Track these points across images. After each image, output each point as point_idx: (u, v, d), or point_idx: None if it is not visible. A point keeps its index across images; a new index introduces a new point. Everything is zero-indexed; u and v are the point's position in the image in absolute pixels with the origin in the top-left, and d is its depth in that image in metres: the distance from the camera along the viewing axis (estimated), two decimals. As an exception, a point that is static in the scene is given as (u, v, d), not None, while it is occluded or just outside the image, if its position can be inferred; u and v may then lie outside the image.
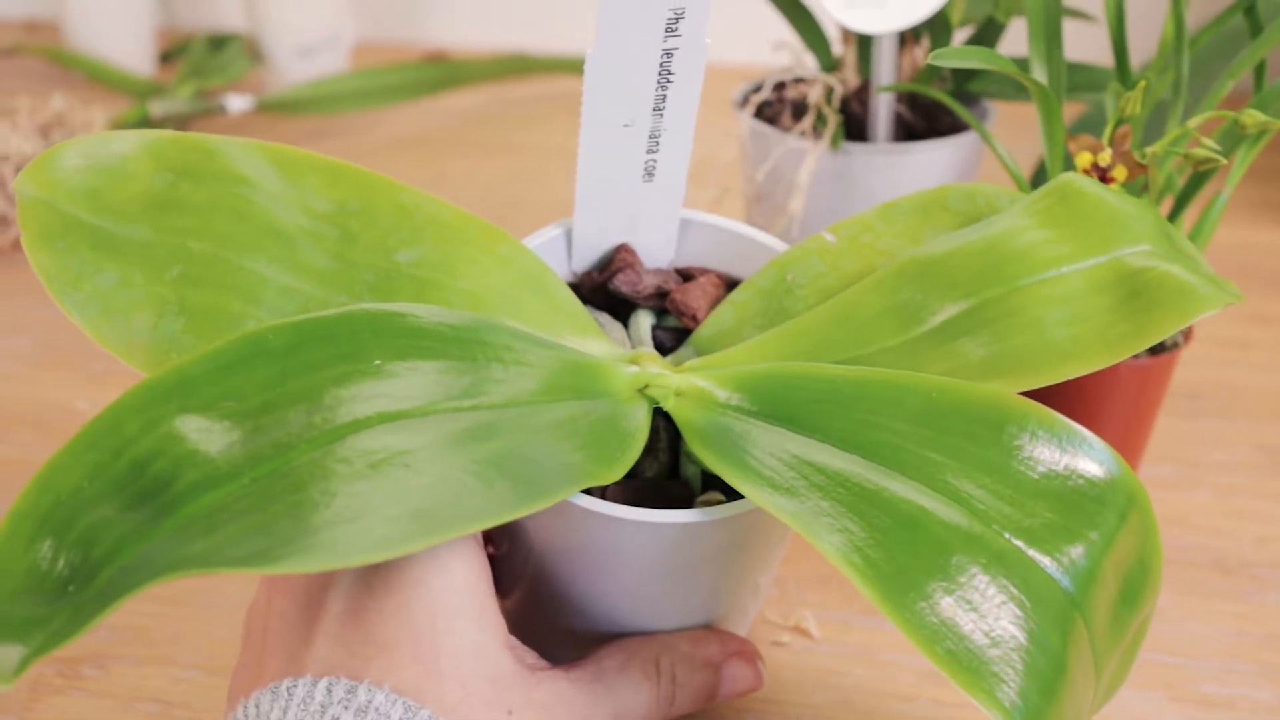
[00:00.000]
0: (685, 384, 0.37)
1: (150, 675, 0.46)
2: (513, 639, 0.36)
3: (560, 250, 0.44)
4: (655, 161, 0.42)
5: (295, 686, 0.31)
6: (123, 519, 0.28)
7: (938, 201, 0.42)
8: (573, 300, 0.41)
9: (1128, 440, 0.51)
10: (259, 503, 0.28)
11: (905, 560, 0.30)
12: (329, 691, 0.30)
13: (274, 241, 0.36)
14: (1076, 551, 0.32)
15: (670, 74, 0.39)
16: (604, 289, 0.44)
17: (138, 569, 0.27)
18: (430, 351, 0.33)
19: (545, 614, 0.41)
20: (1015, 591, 0.30)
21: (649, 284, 0.43)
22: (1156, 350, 0.49)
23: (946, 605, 0.30)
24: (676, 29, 0.37)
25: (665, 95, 0.39)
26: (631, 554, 0.37)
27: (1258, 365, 0.65)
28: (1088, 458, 0.33)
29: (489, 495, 0.30)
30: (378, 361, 0.32)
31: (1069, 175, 0.39)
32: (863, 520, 0.31)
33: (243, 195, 0.36)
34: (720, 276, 0.45)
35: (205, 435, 0.29)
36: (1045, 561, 0.31)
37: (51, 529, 0.27)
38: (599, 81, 0.39)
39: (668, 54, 0.38)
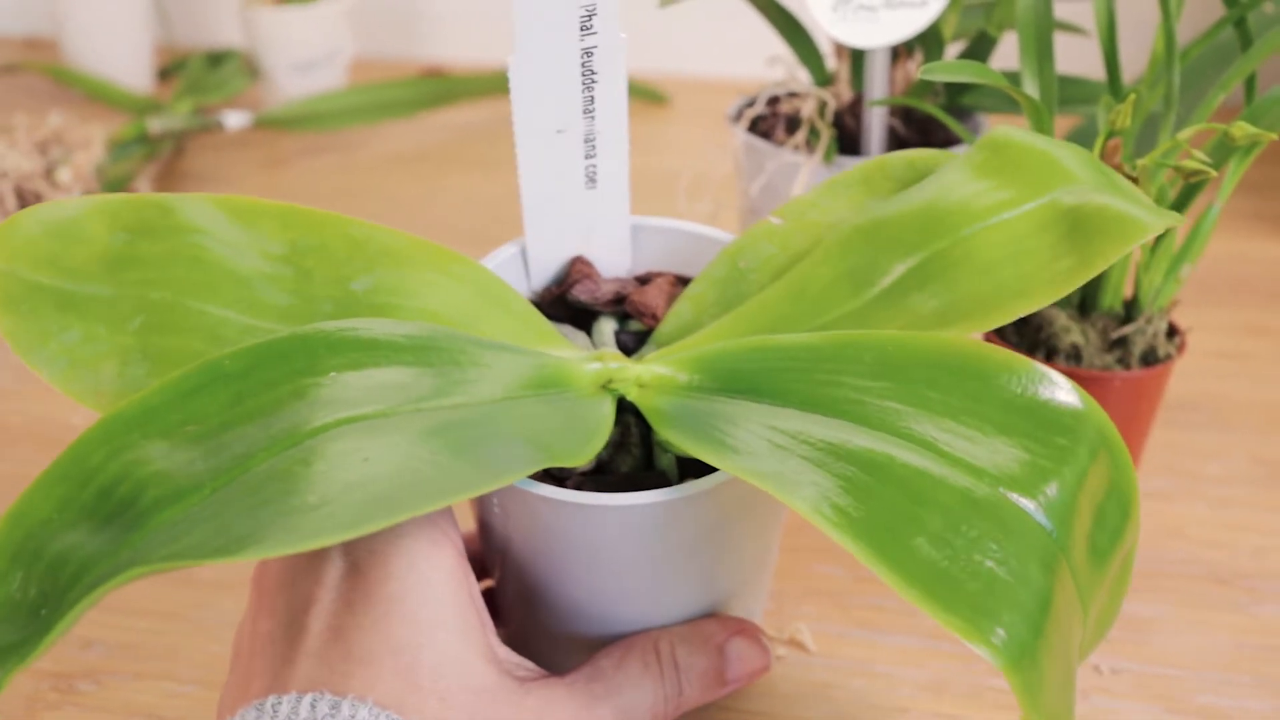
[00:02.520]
0: (646, 373, 0.38)
1: (146, 690, 0.46)
2: (506, 651, 0.36)
3: (518, 269, 0.45)
4: (595, 167, 0.42)
5: (280, 703, 0.31)
6: (90, 541, 0.29)
7: (878, 170, 0.42)
8: (533, 312, 0.41)
9: (1122, 452, 0.51)
10: (220, 509, 0.29)
11: (876, 506, 0.30)
12: (313, 707, 0.30)
13: (232, 285, 0.37)
14: (1051, 487, 0.31)
15: (594, 73, 0.39)
16: (564, 302, 0.45)
17: (102, 578, 0.27)
18: (386, 360, 0.34)
19: (545, 626, 0.41)
20: (990, 528, 0.30)
21: (607, 290, 0.44)
22: (1150, 362, 0.49)
23: (922, 546, 0.29)
24: (591, 26, 0.38)
25: (593, 96, 0.40)
26: (610, 544, 0.37)
27: (1253, 377, 0.65)
28: (1053, 394, 0.33)
29: (448, 477, 0.31)
30: (333, 374, 0.33)
31: (1000, 128, 0.40)
32: (830, 473, 0.31)
33: (198, 244, 0.37)
34: (679, 277, 0.45)
35: (167, 457, 0.30)
36: (1019, 498, 0.31)
37: (23, 561, 0.28)
38: (525, 87, 0.39)
39: (587, 53, 0.39)
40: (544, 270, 0.45)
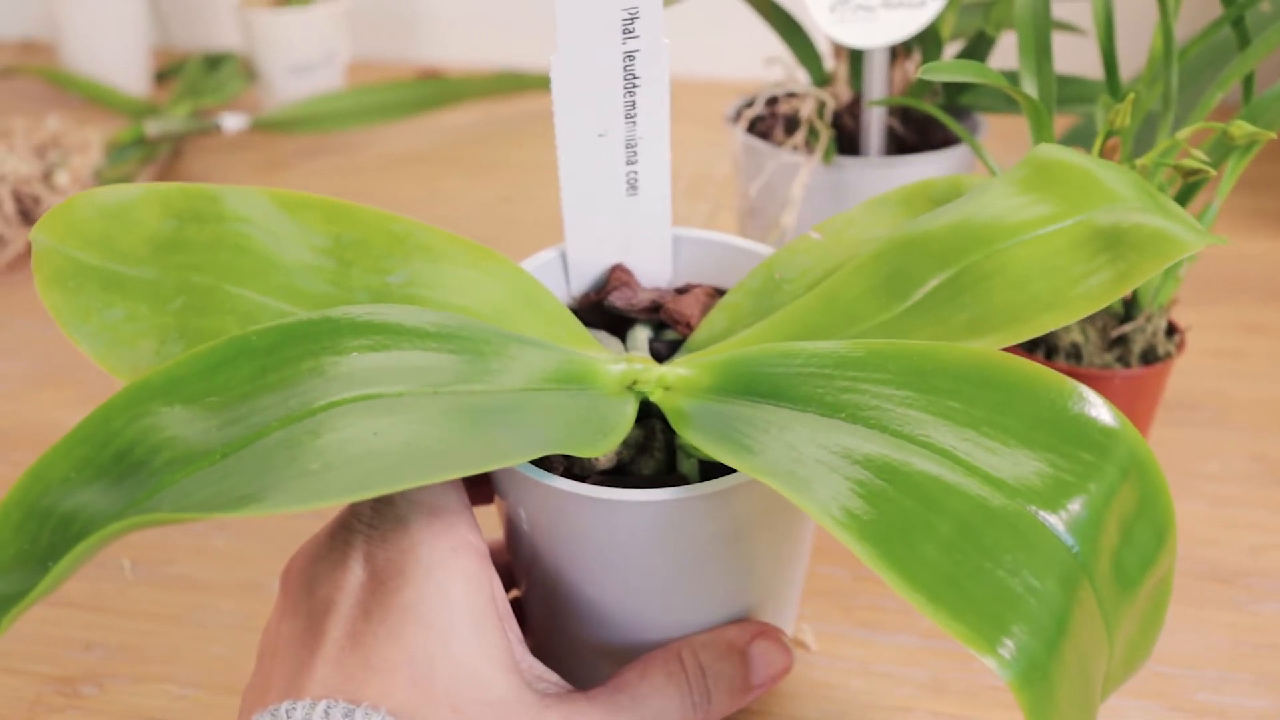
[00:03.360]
0: (671, 375, 0.38)
1: (149, 694, 0.46)
2: (533, 663, 0.36)
3: (558, 273, 0.45)
4: (636, 173, 0.42)
5: (294, 709, 0.31)
6: (101, 499, 0.29)
7: (921, 192, 0.43)
8: (566, 314, 0.41)
9: (1122, 450, 0.51)
10: (228, 473, 0.30)
11: (886, 511, 0.30)
12: (327, 714, 0.30)
13: (272, 272, 0.38)
14: (1075, 503, 0.31)
15: (635, 78, 0.39)
16: (602, 309, 0.45)
17: (102, 528, 0.28)
18: (409, 345, 0.34)
19: (569, 633, 0.41)
20: (1005, 539, 0.29)
21: (644, 298, 0.44)
22: (1149, 360, 0.49)
23: (930, 552, 0.29)
24: (634, 30, 0.38)
25: (635, 101, 0.40)
26: (627, 543, 0.37)
27: (1252, 375, 0.65)
28: (1083, 410, 0.32)
29: (454, 452, 0.31)
30: (355, 354, 0.33)
31: (1043, 146, 0.39)
32: (844, 476, 0.31)
33: (243, 233, 0.38)
34: (717, 289, 0.45)
35: (186, 424, 0.31)
36: (1040, 512, 0.30)
37: (38, 516, 0.29)
38: (567, 89, 0.39)
39: (629, 56, 0.39)
40: (584, 276, 0.45)
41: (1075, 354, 0.49)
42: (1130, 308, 0.50)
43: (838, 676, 0.47)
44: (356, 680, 0.32)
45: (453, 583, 0.33)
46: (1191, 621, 0.49)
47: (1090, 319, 0.50)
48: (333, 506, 0.31)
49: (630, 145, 0.41)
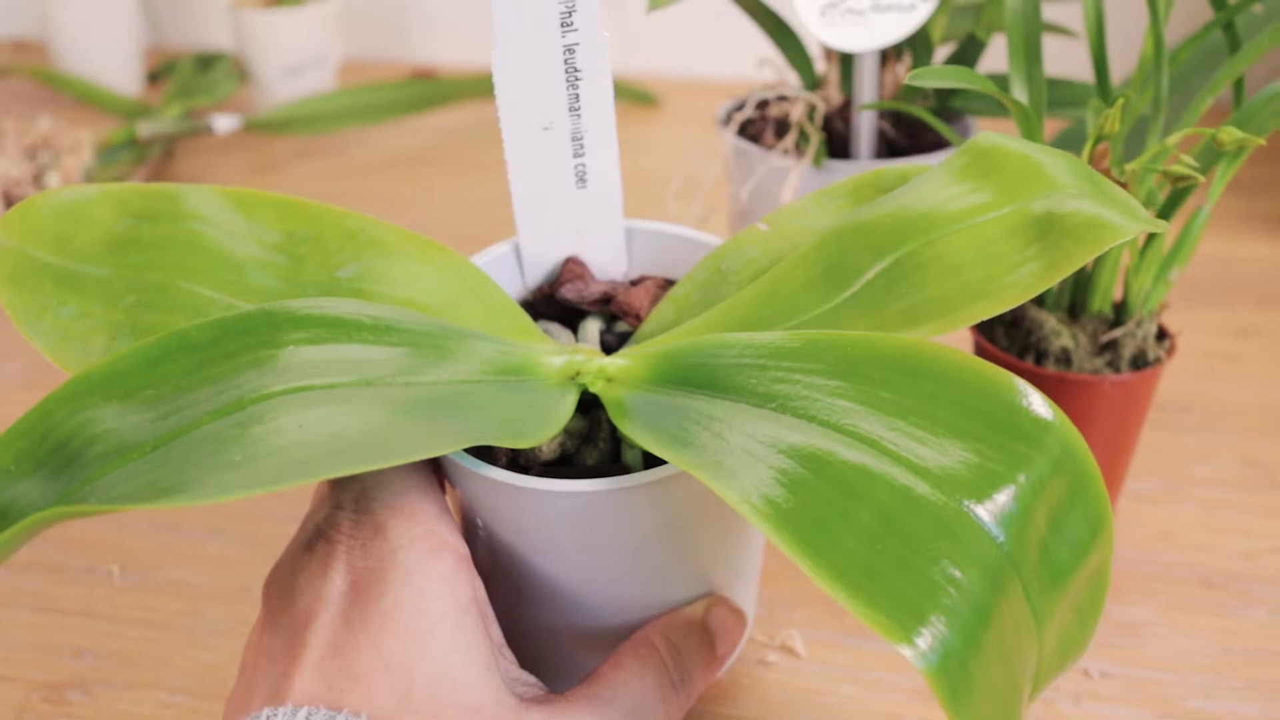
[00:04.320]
0: (613, 367, 0.38)
1: (138, 700, 0.46)
2: (514, 670, 0.36)
3: (512, 266, 0.45)
4: (584, 166, 0.43)
5: (275, 716, 0.31)
6: (36, 490, 0.30)
7: (870, 182, 0.43)
8: (514, 308, 0.42)
9: (1112, 455, 0.51)
10: (156, 465, 0.30)
11: (807, 499, 0.30)
12: None
13: (224, 268, 0.39)
14: (1002, 494, 0.30)
15: (578, 70, 0.40)
16: (555, 301, 0.45)
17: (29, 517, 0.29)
18: (347, 338, 0.35)
19: (532, 620, 0.41)
20: (927, 529, 0.29)
21: (595, 290, 0.44)
22: (1140, 365, 0.49)
23: (849, 540, 0.28)
24: (572, 23, 0.39)
25: (578, 94, 0.41)
26: (570, 533, 0.37)
27: (1244, 378, 0.65)
28: (1016, 401, 0.32)
29: (380, 445, 0.31)
30: (292, 347, 0.34)
31: (984, 133, 0.39)
32: (768, 465, 0.31)
33: (196, 230, 0.39)
34: (668, 281, 0.46)
35: (121, 417, 0.31)
36: (966, 502, 0.30)
37: None
38: (509, 83, 0.40)
39: (569, 50, 0.39)
40: (538, 269, 0.45)
41: (1065, 359, 0.49)
42: (1120, 312, 0.50)
43: (828, 683, 0.47)
44: (337, 688, 0.32)
45: (432, 587, 0.33)
46: (1182, 627, 0.49)
47: (1081, 324, 0.50)
48: (300, 511, 0.31)
49: (576, 139, 0.42)
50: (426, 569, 0.34)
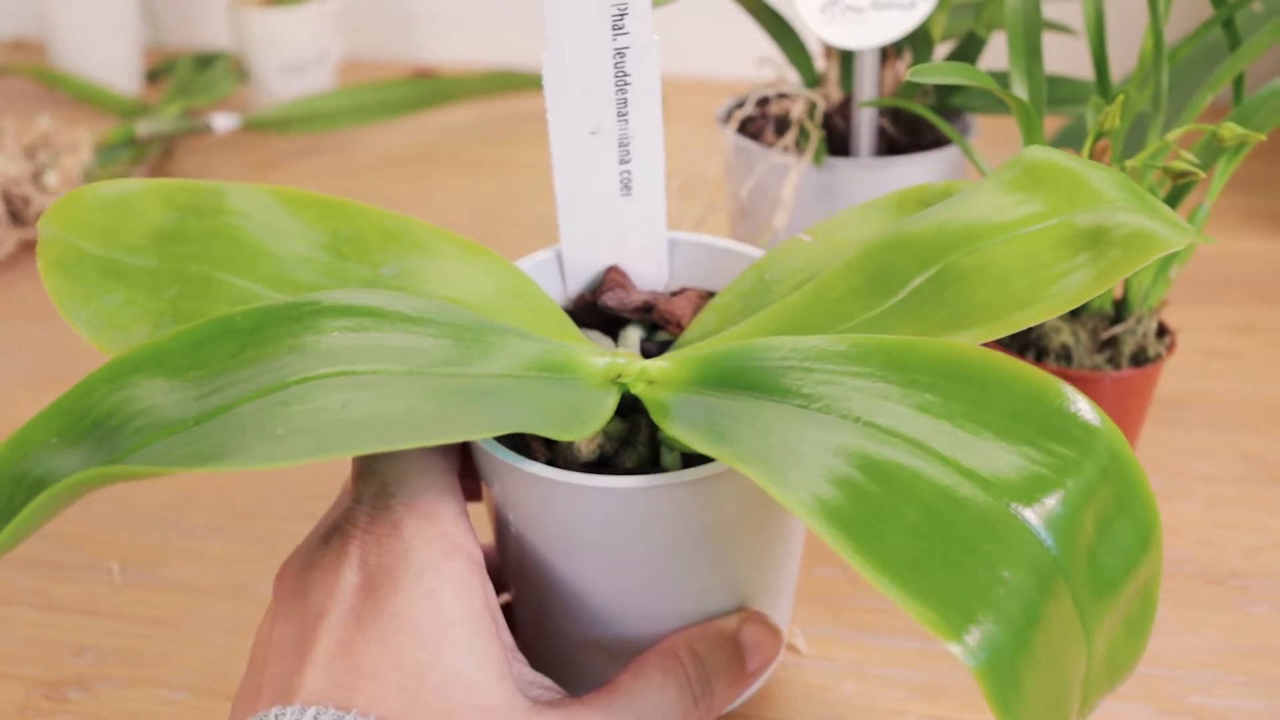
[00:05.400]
0: (654, 369, 0.38)
1: (139, 698, 0.46)
2: (528, 672, 0.36)
3: (554, 273, 0.45)
4: (630, 173, 0.42)
5: (284, 715, 0.31)
6: (80, 461, 0.30)
7: (914, 196, 0.43)
8: (556, 309, 0.42)
9: (1113, 452, 0.51)
10: (197, 439, 0.30)
11: (858, 500, 0.30)
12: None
13: (268, 264, 0.39)
14: (1050, 498, 0.30)
15: (626, 75, 0.40)
16: (596, 310, 0.45)
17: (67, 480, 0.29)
18: (391, 327, 0.35)
19: (560, 630, 0.41)
20: (975, 529, 0.29)
21: (636, 299, 0.44)
22: (1140, 361, 0.49)
23: (900, 542, 0.28)
24: (623, 26, 0.38)
25: (626, 98, 0.40)
26: (607, 532, 0.36)
27: (1244, 375, 0.65)
28: (1063, 406, 0.32)
29: (421, 424, 0.32)
30: (335, 334, 0.34)
31: (1033, 147, 0.40)
32: (815, 464, 0.31)
33: (240, 226, 0.39)
34: (710, 292, 0.45)
35: (163, 394, 0.32)
36: (1014, 505, 0.30)
37: (14, 479, 0.30)
38: (558, 85, 0.39)
39: (619, 53, 0.39)
40: (580, 277, 0.45)
41: (1066, 356, 0.49)
42: (1120, 309, 0.50)
43: (831, 679, 0.47)
44: (346, 687, 0.32)
45: (445, 588, 0.33)
46: (1184, 623, 0.49)
47: (1081, 321, 0.50)
48: (321, 507, 0.31)
49: (623, 144, 0.41)
50: (439, 570, 0.33)
